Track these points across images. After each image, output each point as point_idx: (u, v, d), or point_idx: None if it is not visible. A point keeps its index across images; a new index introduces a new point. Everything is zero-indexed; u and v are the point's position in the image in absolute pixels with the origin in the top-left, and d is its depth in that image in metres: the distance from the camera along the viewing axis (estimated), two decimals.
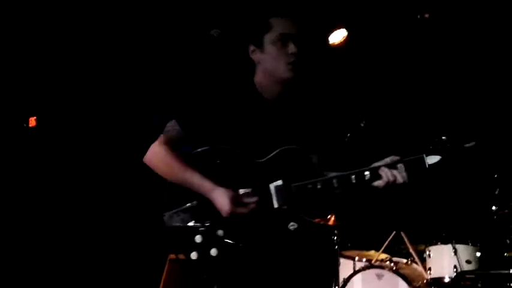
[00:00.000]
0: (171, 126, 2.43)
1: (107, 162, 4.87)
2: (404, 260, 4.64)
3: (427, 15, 4.76)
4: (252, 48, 2.55)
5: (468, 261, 4.29)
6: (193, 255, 2.26)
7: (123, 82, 4.76)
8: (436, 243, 4.45)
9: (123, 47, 4.80)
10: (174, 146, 2.40)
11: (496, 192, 4.28)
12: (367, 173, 2.33)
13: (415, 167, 2.33)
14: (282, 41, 2.45)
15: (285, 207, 2.33)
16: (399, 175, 2.31)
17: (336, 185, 2.33)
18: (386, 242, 4.72)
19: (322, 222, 4.85)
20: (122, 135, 4.69)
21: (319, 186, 2.33)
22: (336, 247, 4.80)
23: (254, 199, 2.28)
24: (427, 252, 4.47)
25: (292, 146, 2.42)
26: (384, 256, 4.70)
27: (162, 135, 2.43)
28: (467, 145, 2.36)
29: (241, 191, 2.31)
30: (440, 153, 2.34)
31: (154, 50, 4.62)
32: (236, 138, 2.43)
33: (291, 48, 2.44)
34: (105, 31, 4.75)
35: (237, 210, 2.25)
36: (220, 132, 2.41)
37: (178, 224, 2.35)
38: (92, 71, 4.88)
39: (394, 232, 4.70)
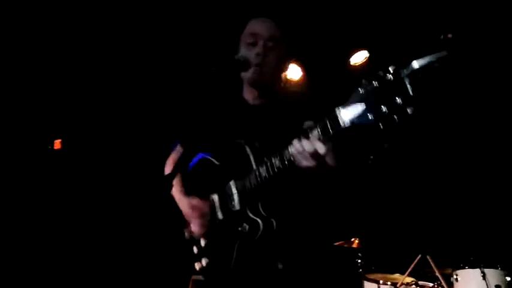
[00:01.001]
0: (178, 148, 2.61)
1: (131, 184, 4.91)
2: (431, 284, 4.55)
3: (450, 36, 4.72)
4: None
5: (497, 286, 4.17)
6: (197, 266, 2.32)
7: (147, 106, 4.83)
8: (463, 267, 4.34)
9: (147, 72, 4.90)
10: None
11: None
12: (285, 151, 1.94)
13: (330, 130, 1.75)
14: (251, 40, 2.36)
15: (238, 208, 2.16)
16: (309, 145, 1.83)
17: (264, 174, 2.04)
18: (412, 265, 4.62)
19: (346, 245, 4.81)
20: (145, 158, 4.73)
21: (254, 181, 2.09)
22: (360, 270, 4.74)
23: (201, 205, 2.28)
24: (454, 276, 4.37)
25: (239, 140, 2.23)
26: (409, 280, 4.61)
27: (172, 154, 2.63)
28: (403, 74, 1.49)
29: (211, 197, 2.30)
30: (363, 99, 1.59)
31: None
32: (219, 147, 2.39)
33: (257, 48, 2.33)
34: (130, 59, 4.87)
35: (191, 216, 2.30)
36: (210, 146, 2.43)
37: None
38: (116, 95, 4.97)
39: (420, 255, 4.60)
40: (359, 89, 1.62)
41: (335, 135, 1.76)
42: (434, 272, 4.56)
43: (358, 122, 1.65)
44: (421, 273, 4.70)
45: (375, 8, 4.72)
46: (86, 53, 4.79)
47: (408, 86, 1.51)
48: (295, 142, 1.89)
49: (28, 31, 4.58)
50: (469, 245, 4.63)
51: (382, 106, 1.55)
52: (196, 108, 2.49)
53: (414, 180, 5.20)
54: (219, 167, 2.31)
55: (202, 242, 2.30)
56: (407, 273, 4.63)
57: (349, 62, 5.17)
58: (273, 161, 2.01)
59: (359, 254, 4.78)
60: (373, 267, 4.89)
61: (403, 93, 1.51)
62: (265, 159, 2.05)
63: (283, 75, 2.47)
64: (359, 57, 5.13)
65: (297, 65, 5.14)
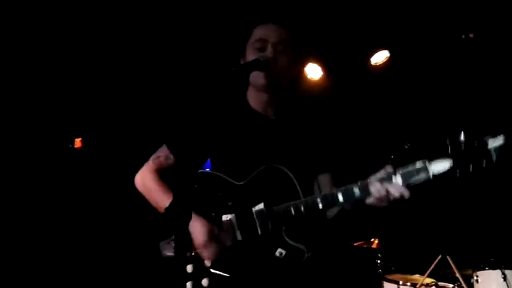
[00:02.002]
0: (162, 152, 2.35)
1: None
2: (451, 285, 4.53)
3: (471, 35, 4.69)
4: (241, 61, 2.41)
5: None
6: (188, 286, 2.13)
7: (166, 106, 4.84)
8: (484, 268, 4.31)
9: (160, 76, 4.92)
10: (162, 172, 2.32)
11: None
12: (356, 190, 2.00)
13: (415, 177, 1.92)
14: (259, 46, 2.31)
15: (270, 232, 2.10)
16: (394, 189, 1.93)
17: (321, 206, 2.05)
18: (432, 266, 4.59)
19: (365, 246, 4.81)
20: None
21: (302, 209, 2.07)
22: (380, 271, 4.74)
23: (230, 236, 2.13)
24: (475, 278, 4.34)
25: (274, 165, 2.17)
26: (429, 281, 4.59)
27: (150, 161, 2.35)
28: (491, 145, 1.82)
29: (224, 218, 2.17)
30: (453, 157, 1.86)
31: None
32: (224, 159, 2.31)
33: (267, 53, 2.28)
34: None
35: (211, 245, 2.09)
36: (209, 155, 2.33)
37: (170, 254, 2.22)
38: (135, 93, 4.98)
39: (440, 256, 4.58)
40: (448, 147, 1.87)
41: (420, 183, 1.94)
42: (455, 273, 4.53)
43: (444, 175, 1.89)
44: (441, 274, 4.67)
45: (395, 7, 4.70)
46: (106, 55, 4.83)
47: (494, 155, 1.82)
48: (377, 184, 1.95)
49: (48, 32, 4.62)
50: (489, 246, 4.61)
51: (470, 166, 1.83)
52: (208, 120, 2.38)
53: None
54: (240, 188, 2.22)
55: (207, 262, 2.13)
56: (427, 274, 4.61)
57: (370, 61, 5.17)
58: (336, 195, 2.03)
59: (379, 255, 4.78)
60: (392, 268, 4.88)
61: (488, 160, 1.82)
62: (326, 193, 2.07)
63: (299, 77, 2.46)
64: (380, 57, 5.13)
65: (317, 64, 5.14)
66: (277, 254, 2.09)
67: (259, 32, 2.35)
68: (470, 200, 4.96)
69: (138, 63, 4.88)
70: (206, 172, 2.29)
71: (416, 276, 4.75)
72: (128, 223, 4.91)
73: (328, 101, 4.96)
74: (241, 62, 2.41)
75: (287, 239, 2.11)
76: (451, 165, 1.86)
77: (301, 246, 2.10)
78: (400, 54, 5.04)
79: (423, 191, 2.02)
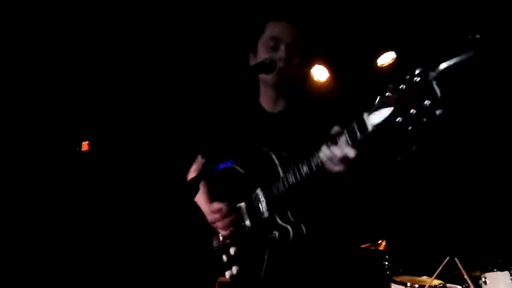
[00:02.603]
0: (198, 159, 2.63)
1: (157, 186, 4.93)
2: (459, 287, 4.53)
3: (478, 36, 4.67)
4: (251, 55, 2.49)
5: None
6: (227, 274, 2.32)
7: (175, 108, 4.85)
8: (492, 270, 4.29)
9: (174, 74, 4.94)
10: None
11: None
12: (313, 158, 1.97)
13: (357, 134, 1.77)
14: (273, 44, 2.37)
15: (266, 215, 2.19)
16: (338, 150, 1.86)
17: (293, 181, 2.07)
18: (440, 268, 4.57)
19: (373, 248, 4.81)
20: (172, 163, 4.75)
21: (281, 186, 2.13)
22: (387, 272, 4.73)
23: (222, 207, 2.31)
24: (483, 279, 4.32)
25: (261, 149, 2.27)
26: (437, 282, 4.57)
27: (193, 165, 2.65)
28: (431, 76, 1.51)
29: (238, 205, 2.32)
30: (393, 102, 1.59)
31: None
32: (243, 156, 2.42)
33: (280, 52, 2.34)
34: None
35: (215, 219, 2.32)
36: (233, 154, 2.46)
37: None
38: (143, 96, 5.00)
39: (448, 257, 4.57)
40: (386, 93, 1.63)
41: (363, 139, 1.79)
42: (463, 275, 4.51)
43: (386, 125, 1.65)
44: (449, 275, 4.66)
45: (402, 9, 4.70)
46: (114, 57, 4.84)
47: (436, 88, 1.51)
48: (324, 148, 1.92)
49: (57, 35, 4.64)
50: (498, 247, 4.59)
51: (411, 109, 1.56)
52: (216, 115, 2.51)
53: (442, 181, 5.17)
54: (244, 175, 2.34)
55: (232, 250, 2.32)
56: (435, 275, 4.59)
57: (377, 63, 5.16)
58: (301, 167, 2.05)
59: (386, 256, 4.78)
60: (400, 270, 4.88)
61: (432, 96, 1.51)
62: (292, 166, 2.09)
63: (307, 76, 2.51)
64: (386, 58, 5.13)
65: (324, 66, 5.15)
66: (271, 236, 2.15)
67: (272, 30, 2.41)
68: (478, 201, 4.95)
69: (144, 66, 4.90)
70: (227, 167, 2.44)
71: (424, 278, 4.74)
72: (133, 224, 4.94)
73: (334, 102, 4.96)
74: (252, 57, 2.48)
75: (278, 220, 2.16)
76: (391, 111, 1.61)
77: (287, 226, 2.14)
78: (406, 55, 5.03)
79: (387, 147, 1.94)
